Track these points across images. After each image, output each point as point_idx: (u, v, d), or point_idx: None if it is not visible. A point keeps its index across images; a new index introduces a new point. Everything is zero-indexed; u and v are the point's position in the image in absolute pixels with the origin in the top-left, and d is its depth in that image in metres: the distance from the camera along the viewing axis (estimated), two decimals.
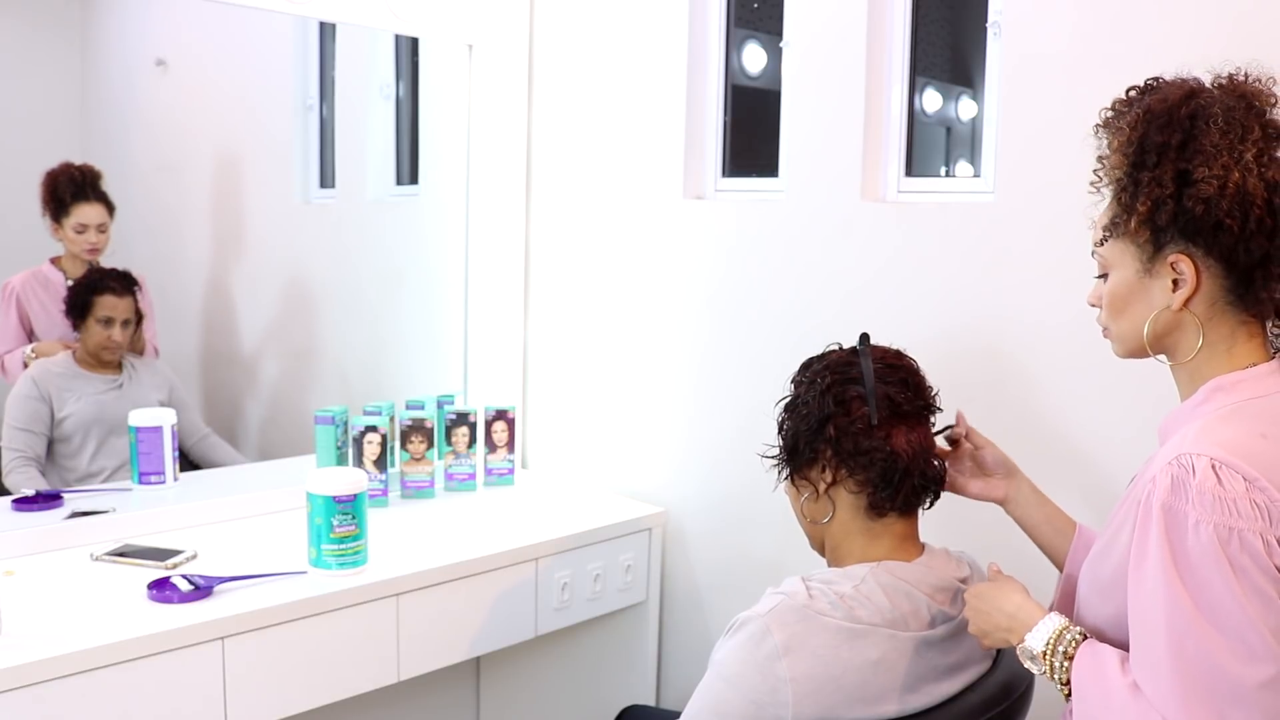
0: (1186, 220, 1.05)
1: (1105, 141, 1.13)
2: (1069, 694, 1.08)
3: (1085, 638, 1.10)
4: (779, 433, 1.40)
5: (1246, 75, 1.09)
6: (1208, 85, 1.10)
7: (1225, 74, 1.10)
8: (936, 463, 1.38)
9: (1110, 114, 1.14)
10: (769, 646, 1.21)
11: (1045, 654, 1.10)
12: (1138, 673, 1.01)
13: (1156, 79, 1.13)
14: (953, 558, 1.38)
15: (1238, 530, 0.96)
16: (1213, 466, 0.98)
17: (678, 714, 1.37)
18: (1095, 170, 1.15)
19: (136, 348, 2.25)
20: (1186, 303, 1.08)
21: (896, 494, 1.31)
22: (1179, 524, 0.98)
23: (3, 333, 2.12)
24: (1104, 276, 1.16)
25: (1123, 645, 1.07)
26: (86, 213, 2.14)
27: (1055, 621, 1.12)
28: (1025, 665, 1.14)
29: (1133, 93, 1.14)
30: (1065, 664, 1.09)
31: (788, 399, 1.40)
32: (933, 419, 1.39)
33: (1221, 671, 0.95)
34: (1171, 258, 1.07)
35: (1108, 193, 1.14)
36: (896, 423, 1.32)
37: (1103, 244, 1.14)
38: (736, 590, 2.17)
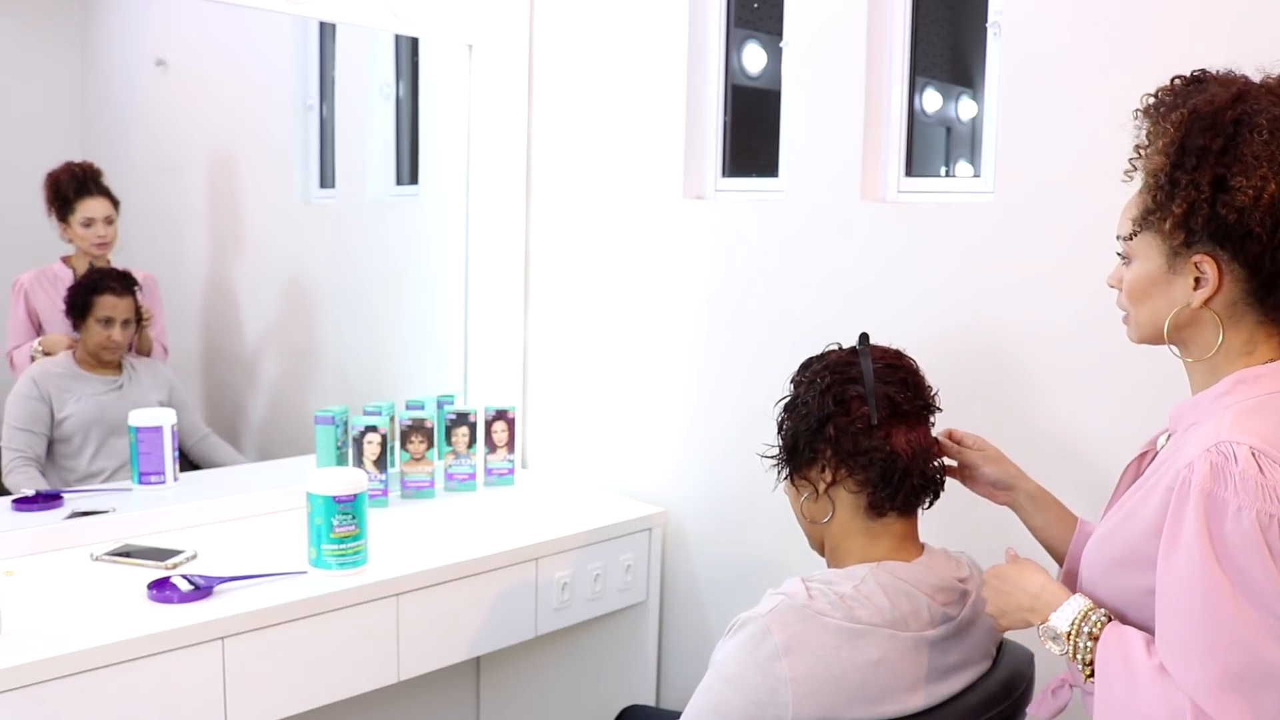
0: (1218, 225, 1.05)
1: (1144, 131, 1.12)
2: (1091, 674, 1.09)
3: (1110, 619, 1.10)
4: (779, 432, 1.40)
5: None
6: (1257, 85, 1.07)
7: (1275, 75, 1.08)
8: (936, 463, 1.38)
9: (1153, 102, 1.12)
10: (769, 647, 1.21)
11: (1070, 634, 1.10)
12: (1165, 655, 1.01)
13: (1203, 72, 1.11)
14: (952, 558, 1.39)
15: (1278, 518, 0.97)
16: (1254, 454, 0.99)
17: (678, 714, 1.37)
18: (1131, 159, 1.14)
19: (144, 348, 2.25)
20: (1207, 301, 1.08)
21: (896, 494, 1.32)
22: (1219, 510, 0.99)
23: (13, 329, 2.13)
24: (1124, 259, 1.16)
25: (1134, 624, 1.08)
26: (92, 207, 2.15)
27: (1080, 602, 1.12)
28: (1047, 646, 1.14)
29: (1178, 82, 1.12)
30: (1090, 644, 1.09)
31: (787, 399, 1.40)
32: (932, 419, 1.39)
33: (1255, 655, 0.96)
34: (1196, 258, 1.07)
35: (1139, 179, 1.13)
36: (896, 423, 1.32)
37: (1132, 238, 1.13)
38: (736, 590, 2.17)
